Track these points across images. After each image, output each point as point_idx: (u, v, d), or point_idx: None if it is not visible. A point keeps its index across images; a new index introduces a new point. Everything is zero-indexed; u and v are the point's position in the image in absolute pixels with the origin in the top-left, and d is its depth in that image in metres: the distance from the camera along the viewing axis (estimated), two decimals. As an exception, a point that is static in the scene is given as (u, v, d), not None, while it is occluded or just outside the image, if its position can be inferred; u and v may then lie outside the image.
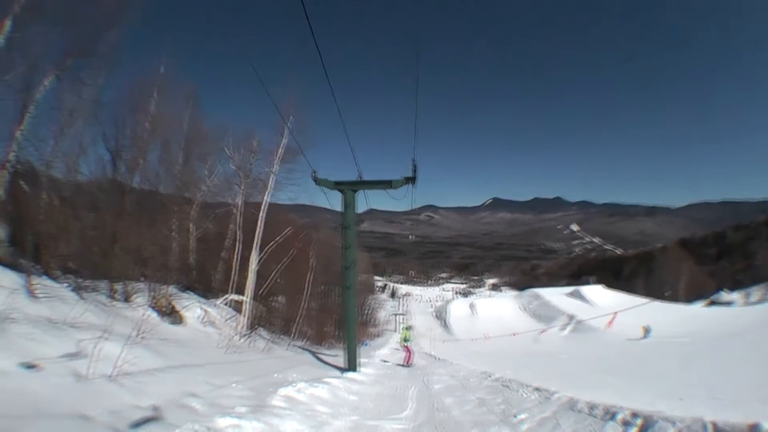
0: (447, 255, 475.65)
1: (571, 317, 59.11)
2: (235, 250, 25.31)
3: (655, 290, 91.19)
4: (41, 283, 11.53)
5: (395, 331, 76.96)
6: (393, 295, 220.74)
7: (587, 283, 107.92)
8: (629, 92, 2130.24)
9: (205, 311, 19.56)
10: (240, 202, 26.84)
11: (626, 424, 6.09)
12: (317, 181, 17.69)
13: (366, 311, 63.16)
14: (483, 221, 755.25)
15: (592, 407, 7.23)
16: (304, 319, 31.60)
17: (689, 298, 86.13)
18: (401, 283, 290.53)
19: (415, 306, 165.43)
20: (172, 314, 16.78)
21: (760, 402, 9.50)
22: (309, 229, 37.90)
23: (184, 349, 12.88)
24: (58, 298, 10.97)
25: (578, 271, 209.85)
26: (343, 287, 19.23)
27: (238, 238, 25.14)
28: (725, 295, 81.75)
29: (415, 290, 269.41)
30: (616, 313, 44.84)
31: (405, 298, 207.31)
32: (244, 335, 20.52)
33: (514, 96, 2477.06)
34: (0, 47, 13.36)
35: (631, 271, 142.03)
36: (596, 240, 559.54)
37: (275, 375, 12.95)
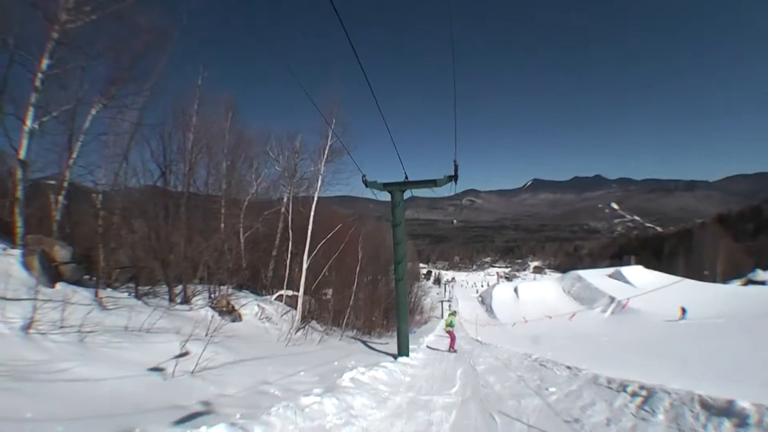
0: (491, 239, 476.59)
1: (612, 299, 59.55)
2: (284, 247, 27.15)
3: (695, 269, 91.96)
4: (109, 295, 12.81)
5: (441, 317, 77.40)
6: (438, 281, 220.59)
7: (629, 263, 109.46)
8: (663, 64, 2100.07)
9: (262, 308, 20.93)
10: (287, 200, 28.62)
11: (634, 394, 7.50)
12: (367, 184, 18.92)
13: (412, 299, 62.77)
14: (525, 203, 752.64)
15: (610, 381, 8.69)
16: (353, 310, 32.79)
17: (727, 276, 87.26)
18: (446, 269, 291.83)
19: (459, 292, 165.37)
20: (231, 313, 18.07)
21: (761, 384, 10.34)
22: (355, 221, 38.45)
23: (248, 344, 14.19)
24: (127, 308, 12.01)
25: (620, 251, 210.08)
26: (396, 280, 20.75)
27: (288, 236, 26.66)
28: (761, 274, 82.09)
29: (460, 276, 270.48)
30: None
31: (450, 284, 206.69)
32: (300, 328, 21.57)
33: (552, 74, 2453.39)
34: (41, 84, 14.02)
35: (670, 250, 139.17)
36: (637, 218, 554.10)
37: (335, 363, 14.28)
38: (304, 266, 24.64)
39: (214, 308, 17.47)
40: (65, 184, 15.43)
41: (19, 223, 13.48)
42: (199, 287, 18.83)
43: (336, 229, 28.96)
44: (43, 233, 14.13)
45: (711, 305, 41.84)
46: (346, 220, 33.57)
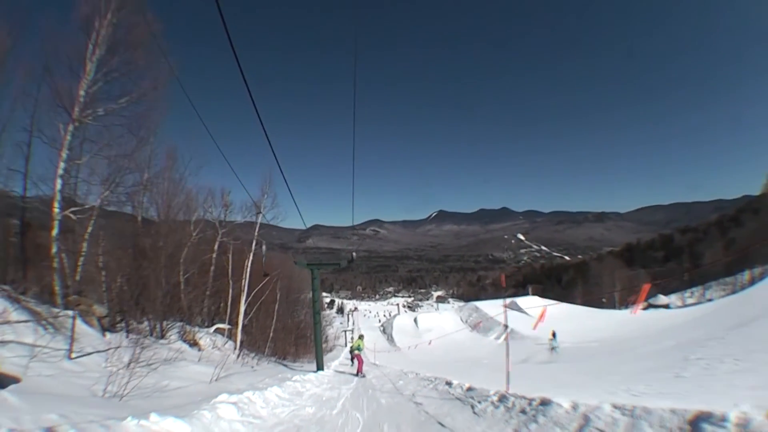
0: (394, 269, 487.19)
1: (505, 327, 62.01)
2: (213, 287, 33.79)
3: (593, 297, 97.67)
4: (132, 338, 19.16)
5: (345, 346, 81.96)
6: (341, 311, 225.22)
7: (527, 294, 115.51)
8: (574, 100, 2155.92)
9: (213, 340, 27.41)
10: (217, 246, 34.44)
11: (448, 384, 14.21)
12: (297, 263, 27.85)
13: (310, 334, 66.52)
14: (429, 234, 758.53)
15: (443, 382, 15.05)
16: (272, 340, 38.58)
17: (626, 303, 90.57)
18: (348, 298, 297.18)
19: (362, 321, 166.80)
20: (195, 344, 24.62)
21: (577, 390, 14.23)
22: (277, 270, 42.37)
23: (224, 365, 20.97)
24: (138, 345, 16.38)
25: (524, 281, 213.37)
26: (314, 323, 30.56)
27: (230, 282, 33.31)
28: (662, 299, 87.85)
29: (363, 305, 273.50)
30: (544, 309, 50.36)
31: (352, 314, 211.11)
32: (239, 354, 28.09)
33: (457, 107, 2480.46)
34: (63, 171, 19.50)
35: (568, 280, 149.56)
36: (543, 248, 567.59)
37: (279, 375, 22.40)
38: (242, 306, 31.58)
39: (184, 341, 23.67)
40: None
41: (57, 285, 18.42)
42: (174, 324, 24.61)
43: (267, 279, 35.36)
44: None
45: (597, 331, 47.47)
46: (271, 270, 37.33)
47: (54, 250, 18.48)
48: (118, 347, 14.84)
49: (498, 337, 63.80)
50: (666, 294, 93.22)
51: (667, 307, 76.59)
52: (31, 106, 19.91)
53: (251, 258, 33.04)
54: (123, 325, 20.12)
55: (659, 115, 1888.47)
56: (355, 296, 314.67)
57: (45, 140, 19.62)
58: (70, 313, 15.49)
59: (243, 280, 32.14)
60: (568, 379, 18.43)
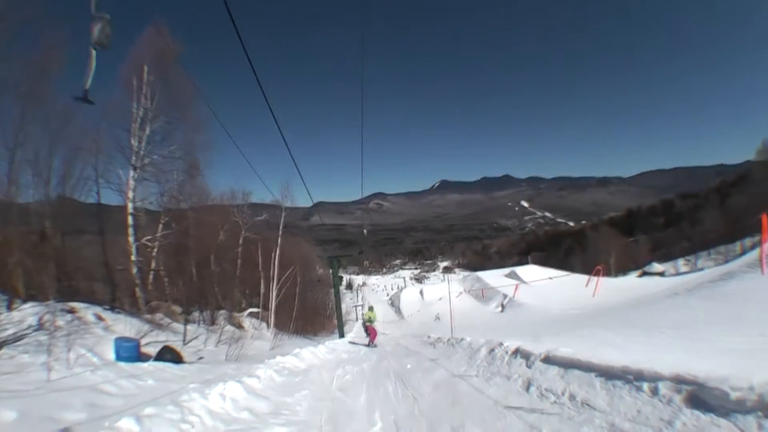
0: (399, 241, 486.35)
1: (504, 296, 65.11)
2: (244, 275, 39.40)
3: (590, 265, 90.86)
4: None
5: (356, 320, 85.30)
6: (350, 286, 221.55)
7: (529, 262, 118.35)
8: (576, 65, 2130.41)
9: (251, 323, 33.47)
10: (241, 242, 39.65)
11: (428, 337, 21.94)
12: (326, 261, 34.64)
13: (329, 306, 69.64)
14: (433, 204, 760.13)
15: (425, 337, 22.68)
16: (294, 320, 42.34)
17: (623, 270, 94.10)
18: (357, 273, 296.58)
19: (371, 296, 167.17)
20: (240, 327, 30.44)
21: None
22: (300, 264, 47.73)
23: (262, 340, 27.92)
24: (212, 330, 25.56)
25: (528, 248, 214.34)
26: (336, 305, 38.94)
27: (261, 273, 38.64)
28: (656, 266, 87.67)
29: (371, 280, 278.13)
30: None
31: (361, 289, 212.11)
32: (274, 333, 33.96)
33: (459, 75, 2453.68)
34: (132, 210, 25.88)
35: (568, 248, 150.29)
36: (548, 214, 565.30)
37: (312, 343, 28.37)
38: (273, 292, 37.56)
39: (231, 325, 29.57)
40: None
41: (139, 293, 24.85)
42: (221, 312, 30.51)
43: (292, 269, 41.83)
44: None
45: (585, 298, 45.35)
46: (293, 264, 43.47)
47: (135, 270, 25.14)
48: (201, 334, 22.28)
49: (497, 306, 64.03)
50: (664, 261, 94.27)
51: (662, 274, 75.45)
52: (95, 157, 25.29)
53: (278, 251, 38.70)
54: (190, 317, 25.95)
55: (662, 79, 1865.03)
56: (363, 271, 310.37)
57: (113, 187, 26.32)
58: (177, 311, 24.03)
59: (272, 269, 37.73)
60: (510, 332, 21.24)
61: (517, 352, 9.66)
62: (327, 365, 16.06)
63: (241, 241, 38.71)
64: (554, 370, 7.55)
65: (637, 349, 8.44)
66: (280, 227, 40.59)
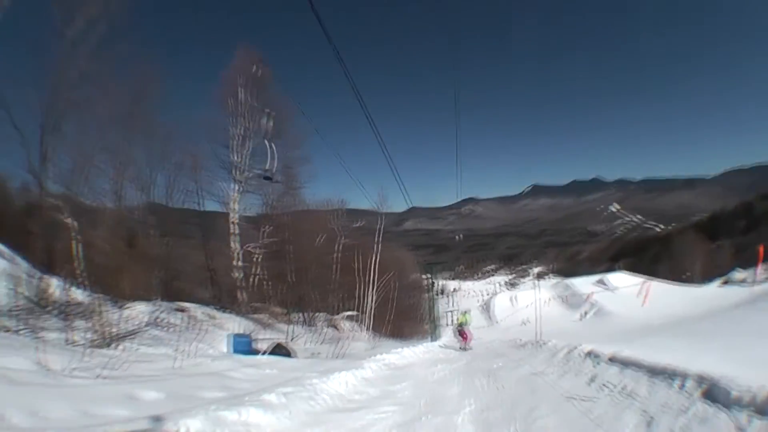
0: (492, 246, 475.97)
1: (592, 304, 68.22)
2: (341, 280, 39.78)
3: (676, 272, 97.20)
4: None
5: (448, 325, 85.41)
6: (442, 292, 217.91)
7: (618, 269, 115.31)
8: (659, 67, 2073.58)
9: (348, 325, 34.51)
10: (338, 248, 40.14)
11: (518, 341, 22.15)
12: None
13: (421, 311, 68.17)
14: (525, 209, 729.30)
15: (516, 341, 22.92)
16: (388, 323, 43.88)
17: (707, 277, 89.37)
18: (449, 279, 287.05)
19: (463, 301, 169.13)
20: (337, 328, 31.74)
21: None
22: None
23: (359, 341, 29.31)
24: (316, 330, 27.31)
25: (617, 254, 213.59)
26: (430, 312, 42.96)
27: (358, 278, 39.97)
28: (738, 274, 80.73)
29: (464, 285, 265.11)
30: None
31: (453, 294, 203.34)
32: (368, 334, 35.44)
33: (549, 80, 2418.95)
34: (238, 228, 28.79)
35: (654, 254, 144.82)
36: (637, 218, 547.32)
37: (405, 345, 28.50)
38: (371, 296, 38.94)
39: (329, 326, 31.08)
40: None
41: (243, 295, 26.86)
42: (319, 314, 32.03)
43: (389, 274, 42.94)
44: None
45: (668, 307, 48.92)
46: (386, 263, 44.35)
47: (240, 275, 27.31)
48: (302, 334, 23.80)
49: (585, 313, 67.71)
50: (747, 268, 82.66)
51: (743, 282, 71.61)
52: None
53: (377, 259, 40.19)
54: (291, 318, 27.84)
55: (742, 70, 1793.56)
56: (455, 276, 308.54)
57: (215, 198, 28.93)
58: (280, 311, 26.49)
59: (370, 274, 39.22)
60: (591, 339, 20.53)
61: (589, 353, 11.15)
62: (424, 363, 17.77)
63: (338, 247, 39.55)
64: (615, 368, 9.05)
65: (686, 354, 9.57)
66: (379, 234, 41.95)
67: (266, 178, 22.48)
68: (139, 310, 15.99)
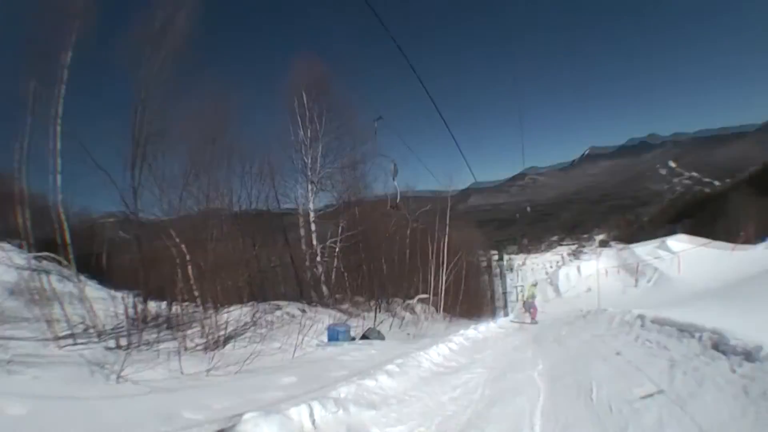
0: (556, 216, 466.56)
1: (655, 269, 69.12)
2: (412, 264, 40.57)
3: (734, 232, 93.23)
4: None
5: (516, 300, 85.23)
6: (511, 267, 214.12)
7: (678, 230, 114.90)
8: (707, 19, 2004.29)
9: (422, 308, 35.67)
10: (408, 232, 40.70)
11: (580, 310, 24.48)
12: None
13: (490, 289, 72.90)
14: (586, 174, 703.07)
15: (577, 311, 24.91)
16: (461, 302, 45.12)
17: (761, 237, 78.36)
18: (515, 253, 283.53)
19: (530, 275, 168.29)
20: (413, 312, 33.27)
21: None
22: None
23: (435, 322, 31.53)
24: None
25: (677, 216, 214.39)
26: (502, 287, 50.68)
27: (431, 261, 39.91)
28: None
29: (530, 258, 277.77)
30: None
31: (520, 269, 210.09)
32: (442, 315, 37.32)
33: (600, 41, 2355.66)
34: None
35: (712, 214, 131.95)
36: (695, 174, 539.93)
37: (478, 322, 29.11)
38: (443, 277, 39.75)
39: (405, 310, 32.69)
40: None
41: (326, 289, 28.81)
42: (395, 299, 33.47)
43: (458, 255, 43.84)
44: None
45: (721, 272, 46.58)
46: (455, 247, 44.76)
47: (321, 270, 29.16)
48: (384, 320, 26.05)
49: (649, 281, 67.08)
50: None
51: None
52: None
53: (446, 240, 41.05)
54: (371, 306, 29.25)
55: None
56: (521, 250, 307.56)
57: (290, 201, 30.38)
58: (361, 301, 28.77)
59: (441, 256, 39.96)
60: (649, 305, 23.11)
61: (639, 317, 12.90)
62: (499, 336, 20.44)
63: (408, 232, 40.62)
64: (656, 327, 10.94)
65: (717, 314, 12.00)
66: (447, 216, 42.53)
67: (392, 207, 24.83)
68: (239, 313, 17.30)
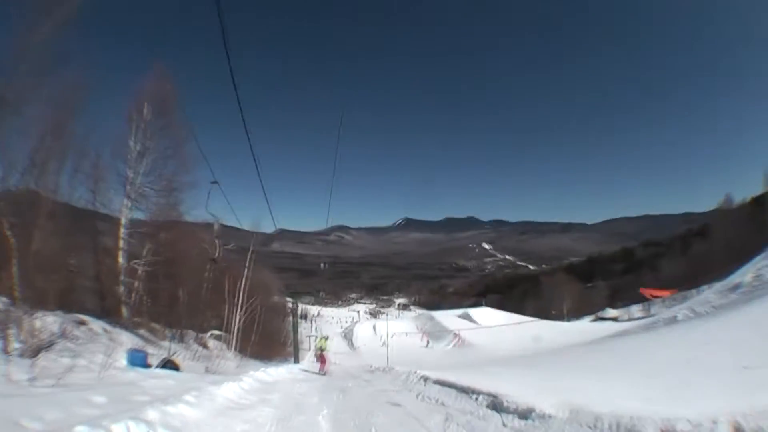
0: (357, 275, 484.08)
1: (455, 335, 72.05)
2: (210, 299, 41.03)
3: (544, 309, 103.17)
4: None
5: (309, 349, 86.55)
6: (305, 316, 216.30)
7: (483, 304, 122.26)
8: (543, 112, 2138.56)
9: (216, 344, 36.78)
10: (210, 268, 39.99)
11: (369, 366, 29.56)
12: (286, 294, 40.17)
13: (284, 334, 72.29)
14: (395, 241, 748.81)
15: (368, 366, 29.22)
16: (253, 344, 45.81)
17: (576, 315, 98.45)
18: (312, 304, 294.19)
19: (325, 327, 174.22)
20: (205, 347, 33.88)
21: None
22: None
23: (227, 360, 31.25)
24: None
25: (485, 290, 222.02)
26: (293, 335, 46.80)
27: (227, 299, 40.62)
28: (611, 312, 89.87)
29: (326, 311, 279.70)
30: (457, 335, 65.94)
31: (316, 320, 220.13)
32: (234, 354, 37.43)
33: (425, 113, 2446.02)
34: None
35: (523, 292, 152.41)
36: (508, 257, 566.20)
37: (268, 366, 31.12)
38: (237, 317, 40.18)
39: (199, 344, 33.43)
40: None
41: (127, 311, 28.53)
42: (189, 332, 34.12)
43: (255, 298, 44.64)
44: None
45: (532, 341, 51.75)
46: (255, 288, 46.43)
47: (124, 290, 28.36)
48: (178, 351, 25.90)
49: (447, 345, 70.72)
50: (621, 307, 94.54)
51: (615, 319, 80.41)
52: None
53: (246, 282, 41.65)
54: (165, 334, 29.67)
55: (628, 129, 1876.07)
56: (318, 302, 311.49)
57: (106, 210, 29.10)
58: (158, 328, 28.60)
59: (237, 296, 40.37)
60: (443, 367, 25.94)
61: (423, 377, 15.20)
62: (288, 381, 20.82)
63: (210, 267, 39.80)
64: (437, 387, 13.12)
65: (505, 380, 13.86)
66: (250, 260, 43.70)
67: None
68: (51, 320, 16.71)
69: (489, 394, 9.87)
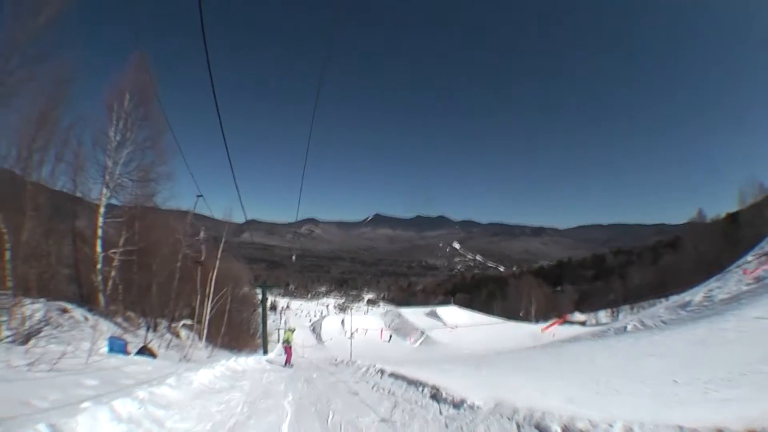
0: (327, 269, 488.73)
1: (422, 333, 75.07)
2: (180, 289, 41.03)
3: (510, 311, 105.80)
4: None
5: (278, 341, 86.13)
6: (274, 308, 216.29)
7: (450, 303, 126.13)
8: (519, 116, 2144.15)
9: (188, 332, 37.67)
10: (180, 257, 40.64)
11: (334, 359, 29.93)
12: (255, 285, 40.43)
13: (253, 325, 71.82)
14: (364, 237, 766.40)
15: (333, 359, 29.89)
16: (222, 335, 46.13)
17: (543, 318, 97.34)
18: (281, 296, 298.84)
19: (294, 320, 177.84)
20: (178, 336, 34.76)
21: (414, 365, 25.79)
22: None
23: (198, 349, 32.26)
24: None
25: (454, 289, 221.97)
26: (262, 326, 44.47)
27: (198, 290, 40.60)
28: (579, 316, 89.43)
29: (295, 304, 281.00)
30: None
31: (284, 312, 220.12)
32: (204, 344, 38.05)
33: (398, 110, 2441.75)
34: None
35: (490, 293, 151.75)
36: (478, 258, 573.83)
37: (237, 355, 32.64)
38: (208, 308, 39.93)
39: (171, 333, 34.23)
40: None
41: (101, 298, 29.33)
42: (161, 320, 34.92)
43: (225, 290, 44.77)
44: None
45: (499, 342, 53.28)
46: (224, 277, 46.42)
47: (100, 278, 28.46)
48: (153, 339, 26.50)
49: (414, 342, 72.68)
50: (588, 312, 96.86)
51: (583, 324, 79.36)
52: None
53: (215, 273, 41.36)
54: (138, 323, 30.52)
55: (604, 139, 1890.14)
56: (287, 294, 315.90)
57: (85, 198, 29.44)
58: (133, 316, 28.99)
59: (208, 287, 40.26)
60: (406, 363, 27.08)
61: (380, 370, 16.21)
62: (257, 370, 22.04)
63: (180, 257, 40.67)
64: (391, 379, 14.01)
65: (452, 376, 15.09)
66: (220, 251, 43.88)
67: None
68: (39, 307, 17.40)
69: (432, 387, 10.79)
